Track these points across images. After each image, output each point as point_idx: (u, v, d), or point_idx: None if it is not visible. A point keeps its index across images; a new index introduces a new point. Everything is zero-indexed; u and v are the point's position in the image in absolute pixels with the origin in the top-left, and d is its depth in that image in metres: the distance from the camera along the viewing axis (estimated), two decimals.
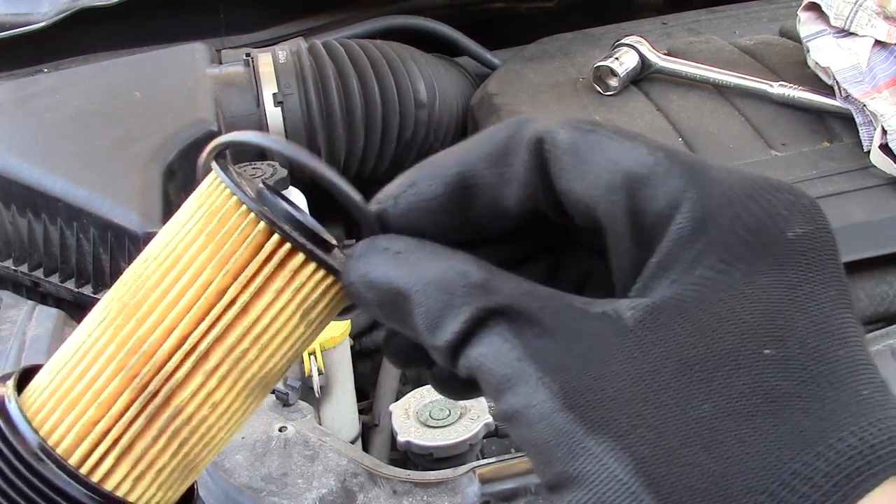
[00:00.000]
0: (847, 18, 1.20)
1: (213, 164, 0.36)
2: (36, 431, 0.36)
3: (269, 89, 1.26)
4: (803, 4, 1.26)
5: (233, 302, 0.35)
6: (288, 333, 0.36)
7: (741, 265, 0.29)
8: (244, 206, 0.35)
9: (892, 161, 1.08)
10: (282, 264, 0.35)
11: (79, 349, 0.37)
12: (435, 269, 0.32)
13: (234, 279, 0.35)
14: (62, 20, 1.47)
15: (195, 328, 0.35)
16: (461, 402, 0.94)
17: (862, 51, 1.17)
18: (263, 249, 0.35)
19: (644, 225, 0.30)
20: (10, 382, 0.37)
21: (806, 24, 1.25)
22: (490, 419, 0.92)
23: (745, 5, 1.57)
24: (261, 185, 0.38)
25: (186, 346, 0.35)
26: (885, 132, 1.09)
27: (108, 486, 0.36)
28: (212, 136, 1.20)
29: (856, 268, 1.05)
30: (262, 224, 0.35)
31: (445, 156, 0.35)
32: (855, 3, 1.20)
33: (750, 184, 0.30)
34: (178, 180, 1.17)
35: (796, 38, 1.30)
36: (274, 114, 1.25)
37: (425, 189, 0.34)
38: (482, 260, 0.32)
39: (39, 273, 1.16)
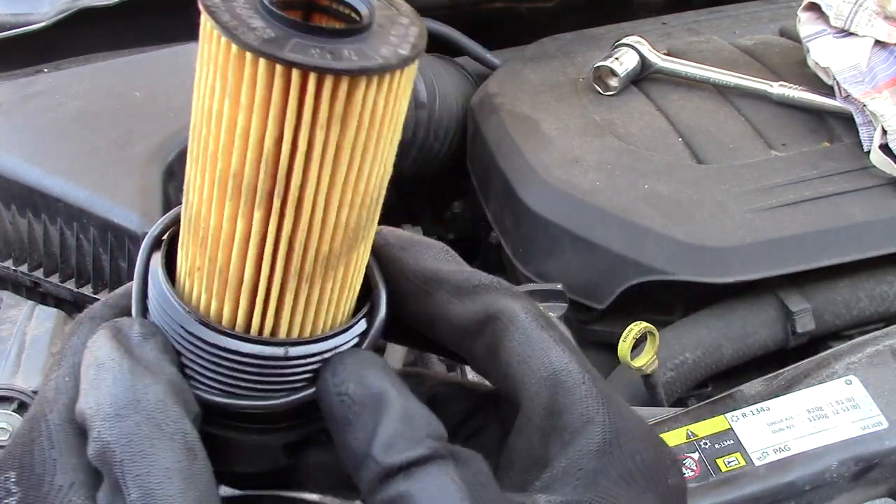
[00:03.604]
0: (847, 18, 1.20)
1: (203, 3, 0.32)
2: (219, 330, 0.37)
3: None
4: (803, 4, 1.26)
5: (294, 146, 0.33)
6: (362, 151, 0.34)
7: (636, 488, 0.36)
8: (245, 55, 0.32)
9: (892, 161, 1.08)
10: (318, 92, 0.32)
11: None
12: (416, 402, 0.36)
13: (282, 126, 0.32)
14: (62, 20, 1.47)
15: (274, 182, 0.33)
16: None
17: (862, 51, 1.17)
18: (292, 86, 0.32)
19: (555, 425, 0.37)
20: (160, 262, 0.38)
21: (806, 24, 1.25)
22: None
23: (745, 5, 1.57)
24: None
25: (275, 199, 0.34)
26: (885, 132, 1.09)
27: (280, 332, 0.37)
28: None
29: (856, 268, 1.05)
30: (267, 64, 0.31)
31: None
32: (855, 4, 1.20)
33: (649, 429, 0.38)
34: (178, 180, 1.17)
35: (796, 38, 1.30)
36: None
37: None
38: None
39: (39, 273, 1.16)
